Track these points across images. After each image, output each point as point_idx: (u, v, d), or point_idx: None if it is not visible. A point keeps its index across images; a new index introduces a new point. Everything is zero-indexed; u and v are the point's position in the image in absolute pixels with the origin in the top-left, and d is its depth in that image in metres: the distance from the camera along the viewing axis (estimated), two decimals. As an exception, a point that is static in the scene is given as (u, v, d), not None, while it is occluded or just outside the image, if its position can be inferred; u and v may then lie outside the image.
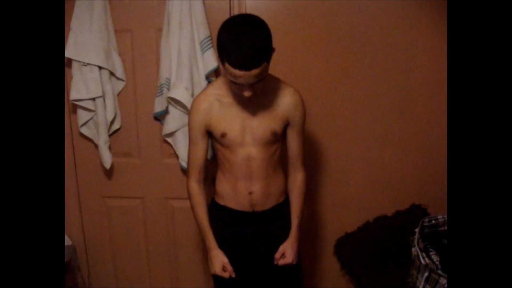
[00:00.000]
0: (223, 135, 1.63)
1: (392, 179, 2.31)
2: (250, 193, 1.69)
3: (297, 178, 1.78)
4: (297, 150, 1.74)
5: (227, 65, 1.43)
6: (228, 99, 1.63)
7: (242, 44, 1.39)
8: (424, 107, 2.20)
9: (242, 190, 1.69)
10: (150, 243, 2.49)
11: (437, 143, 2.22)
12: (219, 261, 1.72)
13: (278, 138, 1.69)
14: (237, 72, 1.41)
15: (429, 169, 2.28)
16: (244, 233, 1.75)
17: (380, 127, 2.25)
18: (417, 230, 1.78)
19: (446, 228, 1.85)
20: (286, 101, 1.66)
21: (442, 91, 2.14)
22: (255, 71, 1.42)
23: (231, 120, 1.63)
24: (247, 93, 1.50)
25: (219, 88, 1.65)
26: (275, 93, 1.65)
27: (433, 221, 1.84)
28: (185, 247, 2.46)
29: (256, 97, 1.57)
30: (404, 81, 2.18)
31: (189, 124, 1.69)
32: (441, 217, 1.84)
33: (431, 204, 2.26)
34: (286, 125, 1.69)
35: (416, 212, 2.27)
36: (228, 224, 1.75)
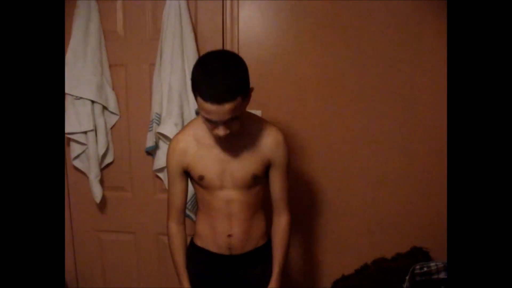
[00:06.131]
0: (201, 177, 1.56)
1: (393, 221, 2.22)
2: (229, 235, 1.61)
3: (281, 223, 1.67)
4: (281, 193, 1.64)
5: (199, 99, 1.33)
6: (207, 140, 1.53)
7: (214, 77, 1.30)
8: (425, 147, 2.13)
9: (221, 232, 1.62)
10: (142, 279, 2.44)
11: (439, 184, 2.11)
12: None
13: (260, 181, 1.61)
14: (208, 106, 1.31)
15: (432, 211, 2.17)
16: (222, 277, 1.67)
17: (380, 166, 2.18)
18: (407, 277, 1.68)
19: (440, 276, 1.74)
20: (267, 141, 1.56)
21: (444, 131, 2.02)
22: (228, 106, 1.31)
23: (210, 162, 1.54)
24: (221, 132, 1.39)
25: (198, 127, 1.53)
26: (256, 133, 1.55)
27: (425, 269, 1.74)
28: (177, 284, 2.40)
29: (235, 138, 1.48)
30: (405, 120, 2.12)
31: (166, 164, 1.63)
32: (434, 264, 1.74)
33: (434, 248, 2.14)
34: (268, 167, 1.60)
35: (417, 256, 2.15)
36: (205, 266, 1.69)
